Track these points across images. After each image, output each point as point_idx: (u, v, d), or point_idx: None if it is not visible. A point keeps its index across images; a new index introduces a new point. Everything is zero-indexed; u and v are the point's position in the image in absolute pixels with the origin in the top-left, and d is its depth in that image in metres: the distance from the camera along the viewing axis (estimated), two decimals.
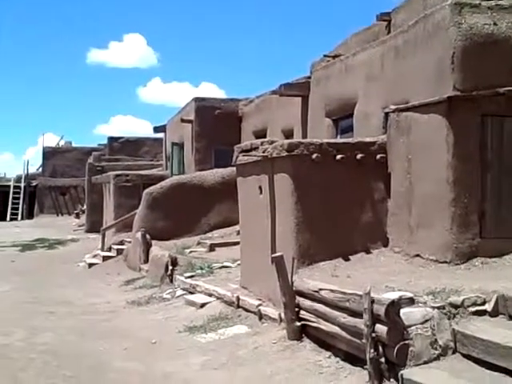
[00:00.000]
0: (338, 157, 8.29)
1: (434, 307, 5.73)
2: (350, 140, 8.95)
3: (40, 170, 43.45)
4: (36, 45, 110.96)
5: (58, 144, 45.54)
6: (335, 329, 6.33)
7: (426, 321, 5.59)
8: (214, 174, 16.78)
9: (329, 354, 6.56)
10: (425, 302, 5.86)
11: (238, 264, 11.06)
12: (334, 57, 13.22)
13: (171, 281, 12.45)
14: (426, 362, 5.40)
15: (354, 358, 6.07)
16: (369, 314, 5.47)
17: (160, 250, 14.00)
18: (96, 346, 8.29)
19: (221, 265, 12.18)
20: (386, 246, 8.47)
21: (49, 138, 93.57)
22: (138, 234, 15.16)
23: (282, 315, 7.56)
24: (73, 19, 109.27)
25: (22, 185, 41.16)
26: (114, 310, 10.99)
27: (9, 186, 41.44)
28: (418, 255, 7.91)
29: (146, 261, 14.46)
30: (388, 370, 5.45)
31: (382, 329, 5.41)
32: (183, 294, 11.06)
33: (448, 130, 7.54)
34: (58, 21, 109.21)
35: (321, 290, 6.62)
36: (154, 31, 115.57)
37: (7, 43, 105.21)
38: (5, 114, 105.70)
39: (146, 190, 16.71)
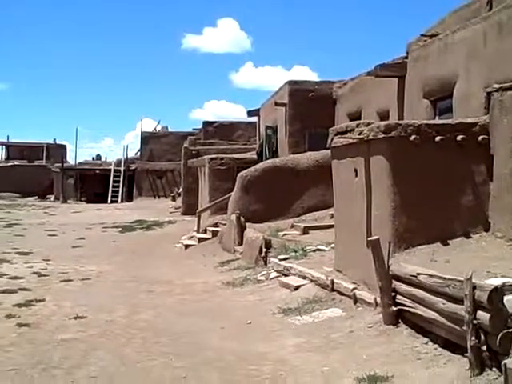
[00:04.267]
0: (438, 138, 8.02)
1: None
2: (449, 121, 8.64)
3: (138, 154, 44.92)
4: (133, 32, 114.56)
5: (155, 129, 46.87)
6: (433, 315, 6.17)
7: None
8: (307, 157, 16.72)
9: (426, 340, 6.41)
10: None
11: (332, 247, 11.01)
12: (432, 36, 12.77)
13: (265, 263, 12.56)
14: None
15: (453, 345, 5.90)
16: (470, 301, 5.29)
17: (254, 233, 14.14)
18: (194, 324, 8.53)
19: (314, 248, 12.16)
20: (487, 230, 8.15)
21: (146, 123, 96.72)
22: (233, 217, 15.38)
23: (378, 299, 7.46)
24: (168, 6, 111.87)
25: (122, 168, 42.72)
26: (210, 290, 11.24)
27: (109, 170, 43.17)
28: None
29: (241, 243, 14.65)
30: (490, 359, 5.25)
31: (484, 316, 5.22)
32: (277, 276, 11.13)
33: None
34: (155, 8, 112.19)
35: (419, 274, 6.46)
36: (247, 15, 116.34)
37: (107, 32, 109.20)
38: (105, 100, 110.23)
39: (241, 173, 16.89)
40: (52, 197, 43.63)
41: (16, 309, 9.43)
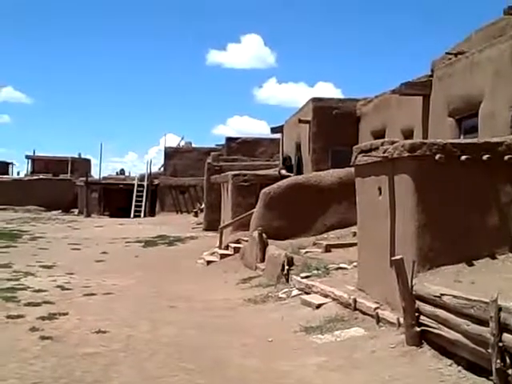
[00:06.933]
0: (463, 158, 7.96)
1: None
2: (475, 140, 8.58)
3: (161, 169, 45.18)
4: (158, 48, 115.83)
5: (178, 144, 47.14)
6: (458, 336, 6.09)
7: None
8: (330, 175, 16.70)
9: (450, 361, 6.32)
10: None
11: (354, 266, 10.94)
12: (457, 54, 12.76)
13: (287, 280, 12.52)
14: None
15: (477, 368, 5.81)
16: (495, 323, 5.22)
17: (276, 250, 14.11)
18: (215, 340, 8.51)
19: (337, 266, 12.09)
20: None
21: (170, 138, 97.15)
22: (255, 233, 15.37)
23: (401, 320, 7.38)
24: (193, 22, 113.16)
25: (145, 183, 42.93)
26: (232, 307, 11.22)
27: (133, 185, 43.41)
28: None
29: (263, 260, 14.63)
30: None
31: (509, 338, 5.14)
32: (299, 294, 11.09)
33: None
34: (179, 24, 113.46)
35: (443, 295, 6.39)
36: (271, 31, 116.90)
37: (132, 48, 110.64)
38: (130, 115, 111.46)
39: (263, 190, 16.91)
40: (76, 211, 44.03)
41: (39, 322, 9.50)
